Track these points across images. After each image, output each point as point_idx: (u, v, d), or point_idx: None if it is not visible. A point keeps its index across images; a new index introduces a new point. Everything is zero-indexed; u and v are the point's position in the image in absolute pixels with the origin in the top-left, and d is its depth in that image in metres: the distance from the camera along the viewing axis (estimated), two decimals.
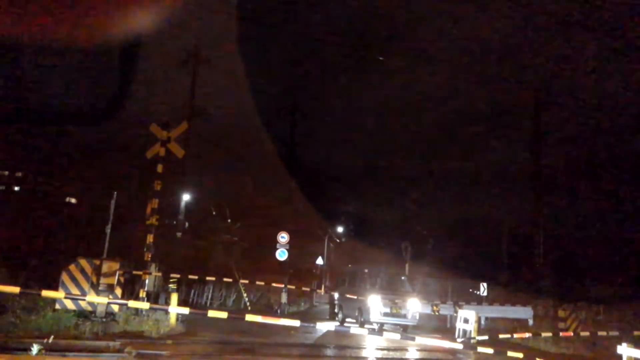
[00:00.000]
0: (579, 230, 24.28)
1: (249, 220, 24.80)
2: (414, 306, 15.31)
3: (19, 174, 33.28)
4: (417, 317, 15.38)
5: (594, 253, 23.85)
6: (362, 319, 15.24)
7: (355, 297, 15.92)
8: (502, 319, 18.41)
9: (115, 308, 10.86)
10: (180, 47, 20.45)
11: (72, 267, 11.07)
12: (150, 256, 12.46)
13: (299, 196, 24.03)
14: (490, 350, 9.37)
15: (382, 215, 30.04)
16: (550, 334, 13.53)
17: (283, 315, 17.45)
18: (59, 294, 9.82)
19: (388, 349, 11.91)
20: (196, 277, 17.54)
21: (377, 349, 11.96)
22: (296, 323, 9.38)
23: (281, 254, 18.92)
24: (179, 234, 18.49)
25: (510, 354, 9.26)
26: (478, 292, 21.54)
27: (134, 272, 13.24)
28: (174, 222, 18.44)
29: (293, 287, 19.51)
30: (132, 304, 9.71)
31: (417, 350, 11.88)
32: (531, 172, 21.52)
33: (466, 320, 13.72)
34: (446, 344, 9.97)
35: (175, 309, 10.69)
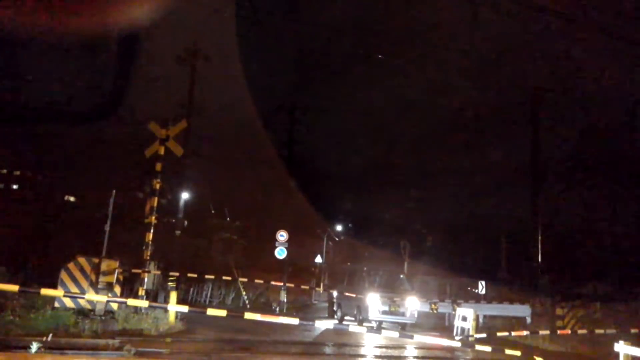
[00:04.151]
0: (577, 228, 24.32)
1: (248, 219, 24.82)
2: (413, 304, 15.35)
3: (18, 172, 33.25)
4: (416, 315, 15.43)
5: (592, 251, 23.91)
6: (360, 317, 15.28)
7: (354, 295, 15.96)
8: (500, 317, 18.46)
9: (115, 306, 10.86)
10: (179, 45, 20.44)
11: (71, 265, 11.08)
12: (149, 254, 12.48)
13: (298, 194, 24.05)
14: (488, 348, 9.41)
15: (381, 213, 30.08)
16: (548, 332, 13.57)
17: (282, 313, 17.49)
18: (58, 292, 9.83)
19: (387, 347, 11.95)
20: (195, 276, 17.56)
21: (376, 346, 12.00)
22: (295, 321, 9.41)
23: (280, 252, 18.94)
24: (178, 232, 18.50)
25: (508, 351, 9.30)
26: (476, 290, 21.60)
27: (133, 271, 13.27)
28: (173, 221, 18.45)
29: (292, 285, 19.55)
30: (131, 302, 9.75)
31: (416, 348, 11.92)
32: (530, 171, 21.58)
33: (464, 318, 13.76)
34: (444, 341, 10.00)
35: (175, 307, 10.71)
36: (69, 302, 10.61)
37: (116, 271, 11.22)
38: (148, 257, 12.50)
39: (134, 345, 8.16)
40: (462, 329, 13.69)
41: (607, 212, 24.02)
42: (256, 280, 18.97)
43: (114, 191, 12.37)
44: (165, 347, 9.07)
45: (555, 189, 23.59)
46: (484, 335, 12.95)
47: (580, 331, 13.42)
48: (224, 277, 18.25)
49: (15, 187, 32.53)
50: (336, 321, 15.83)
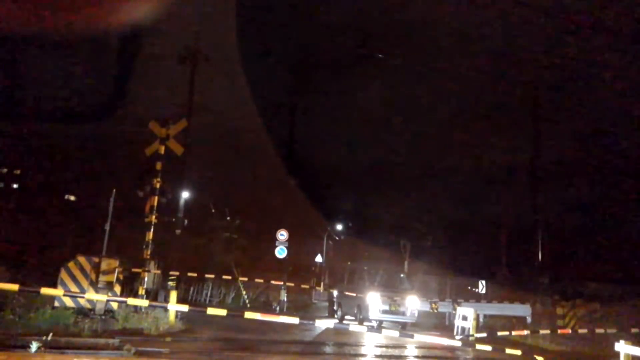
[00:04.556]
0: (578, 227, 24.32)
1: (249, 218, 24.78)
2: (413, 303, 15.34)
3: (18, 172, 33.28)
4: (416, 315, 15.41)
5: (593, 250, 23.90)
6: (361, 317, 15.26)
7: (354, 295, 15.95)
8: (501, 316, 18.45)
9: (115, 305, 10.87)
10: (179, 45, 20.42)
11: (71, 264, 11.08)
12: (149, 254, 12.47)
13: (299, 194, 24.04)
14: (488, 348, 9.42)
15: (381, 212, 30.06)
16: (548, 331, 13.57)
17: (282, 312, 17.48)
18: (58, 292, 9.83)
19: (387, 346, 11.94)
20: (195, 275, 17.56)
21: (376, 346, 11.99)
22: (295, 320, 9.41)
23: (280, 252, 18.93)
24: (178, 232, 18.49)
25: (508, 351, 9.31)
26: (477, 290, 21.60)
27: (133, 270, 13.26)
28: (173, 220, 18.43)
29: (292, 284, 19.54)
30: (131, 301, 9.73)
31: (416, 347, 11.91)
32: (530, 170, 21.58)
33: (465, 318, 13.75)
34: (445, 341, 9.99)
35: (175, 307, 10.70)
36: (68, 302, 10.61)
37: (116, 270, 11.23)
38: (148, 256, 12.49)
39: (134, 344, 8.15)
40: (463, 329, 13.68)
41: (607, 211, 24.01)
42: (256, 280, 18.96)
43: (114, 190, 12.37)
44: (165, 346, 9.06)
45: (556, 189, 23.59)
46: (484, 334, 12.94)
47: (580, 330, 13.43)
48: (224, 277, 18.24)
49: (15, 186, 32.54)
50: (336, 320, 15.81)
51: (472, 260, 25.44)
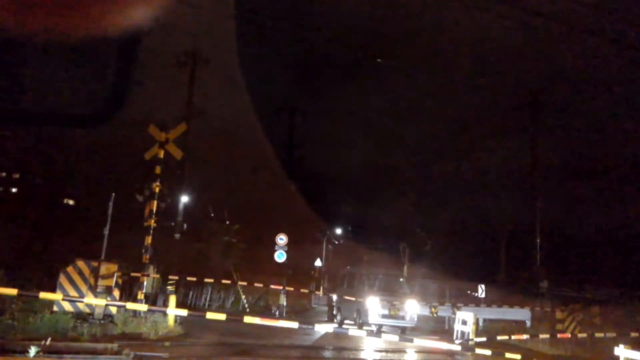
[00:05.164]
0: (577, 232, 24.34)
1: (248, 222, 24.78)
2: (412, 308, 15.32)
3: (17, 176, 33.28)
4: (416, 319, 15.39)
5: (592, 255, 23.91)
6: (360, 321, 15.24)
7: (354, 299, 15.92)
8: (500, 320, 18.40)
9: (114, 310, 10.85)
10: (179, 49, 20.49)
11: (70, 269, 11.07)
12: (148, 258, 12.45)
13: (298, 198, 24.06)
14: (488, 352, 9.38)
15: (380, 217, 30.08)
16: (548, 336, 13.53)
17: (281, 317, 17.45)
18: (57, 296, 9.82)
19: (386, 351, 11.92)
20: (194, 279, 17.51)
21: (376, 350, 11.97)
22: (294, 325, 9.39)
23: (280, 256, 18.91)
24: (177, 236, 18.49)
25: (508, 355, 9.28)
26: (476, 294, 21.54)
27: (132, 274, 13.22)
28: (173, 224, 18.43)
29: (291, 288, 19.50)
30: (130, 305, 9.71)
31: (416, 351, 11.89)
32: (529, 174, 21.60)
33: (464, 322, 13.73)
34: (444, 345, 9.98)
35: (174, 311, 10.68)
36: (67, 306, 10.59)
37: (115, 275, 11.22)
38: (147, 261, 12.47)
39: (133, 349, 8.14)
40: (462, 333, 13.66)
41: (607, 216, 24.04)
42: (255, 284, 18.91)
43: (113, 194, 12.37)
44: (164, 351, 9.04)
45: (555, 193, 23.62)
46: (484, 338, 12.90)
47: (580, 335, 13.38)
48: (224, 281, 18.20)
49: (14, 190, 32.52)
50: (336, 325, 15.77)
51: (472, 264, 25.42)
